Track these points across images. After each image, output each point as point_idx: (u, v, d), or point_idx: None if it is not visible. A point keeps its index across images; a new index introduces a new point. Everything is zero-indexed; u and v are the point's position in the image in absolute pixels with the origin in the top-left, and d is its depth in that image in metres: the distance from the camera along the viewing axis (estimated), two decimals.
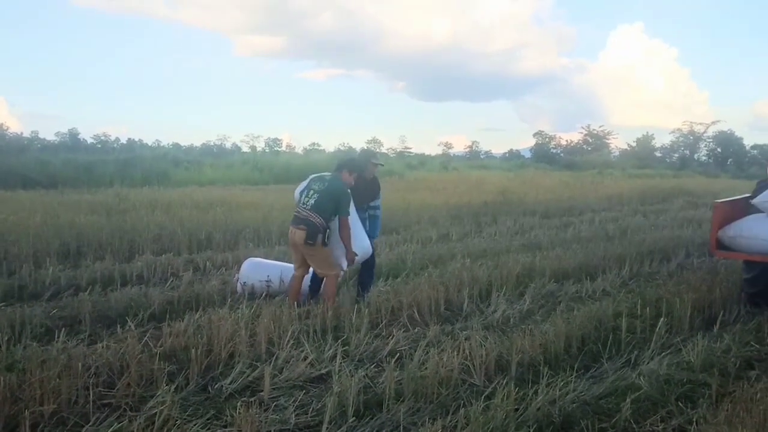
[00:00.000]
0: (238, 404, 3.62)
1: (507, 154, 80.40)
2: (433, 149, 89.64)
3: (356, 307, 5.63)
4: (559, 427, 3.67)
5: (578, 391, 4.07)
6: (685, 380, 4.29)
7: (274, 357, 4.52)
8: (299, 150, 75.68)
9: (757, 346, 5.07)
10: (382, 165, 6.84)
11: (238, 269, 6.78)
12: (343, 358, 4.60)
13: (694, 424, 3.62)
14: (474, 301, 6.43)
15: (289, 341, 4.73)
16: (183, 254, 8.48)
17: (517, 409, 3.78)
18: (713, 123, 60.73)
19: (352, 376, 4.07)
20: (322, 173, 6.08)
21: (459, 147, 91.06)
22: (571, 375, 4.29)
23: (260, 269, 6.61)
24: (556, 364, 4.62)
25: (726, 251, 6.24)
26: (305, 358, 4.49)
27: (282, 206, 13.43)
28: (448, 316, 6.06)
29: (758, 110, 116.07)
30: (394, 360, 4.48)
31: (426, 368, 4.25)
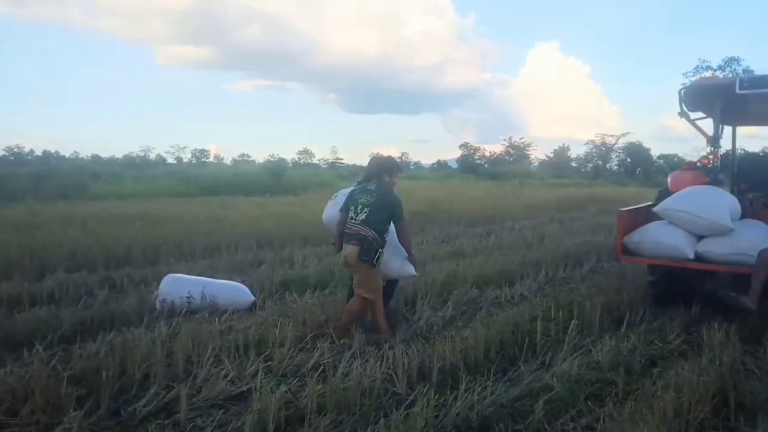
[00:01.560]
0: (152, 427, 3.55)
1: (435, 165, 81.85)
2: (364, 160, 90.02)
3: (279, 321, 5.60)
4: (477, 431, 3.76)
5: (496, 395, 4.17)
6: (594, 379, 4.48)
7: (192, 376, 4.42)
8: (228, 161, 74.54)
9: (660, 344, 5.34)
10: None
11: (158, 286, 6.61)
12: (266, 373, 4.56)
13: (602, 421, 3.79)
14: (400, 310, 6.51)
15: (208, 359, 4.64)
16: (99, 271, 8.15)
17: (437, 416, 3.86)
18: (623, 135, 63.79)
19: (273, 391, 4.04)
20: (363, 185, 5.69)
21: None
22: (490, 379, 4.40)
23: (181, 285, 6.46)
24: (475, 369, 4.72)
25: (630, 256, 6.55)
26: (225, 376, 4.41)
27: (207, 219, 13.22)
28: (375, 325, 6.09)
29: (664, 123, 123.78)
30: (317, 373, 4.49)
31: (350, 380, 4.27)
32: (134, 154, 69.04)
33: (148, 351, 4.61)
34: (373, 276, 5.48)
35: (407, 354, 4.74)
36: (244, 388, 4.33)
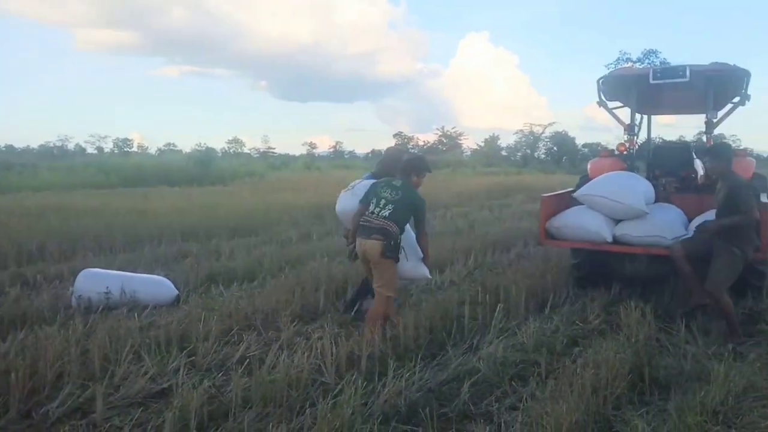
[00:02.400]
0: (66, 428, 3.39)
1: (370, 154, 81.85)
2: (297, 149, 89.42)
3: (204, 314, 5.46)
4: (405, 417, 3.77)
5: (424, 380, 4.21)
6: (518, 361, 4.58)
7: (110, 374, 4.25)
8: (152, 150, 72.36)
9: (581, 324, 5.52)
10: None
11: (74, 282, 6.32)
12: (189, 369, 4.45)
13: (524, 401, 3.88)
14: (330, 299, 6.47)
15: (127, 356, 4.46)
16: (10, 268, 7.74)
17: (365, 404, 3.85)
18: (550, 124, 65.58)
19: (195, 387, 3.94)
20: (386, 179, 5.42)
21: (323, 147, 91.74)
22: (418, 365, 4.42)
23: (98, 280, 6.19)
24: (404, 356, 4.74)
25: (553, 240, 6.73)
26: (145, 373, 4.27)
27: (129, 211, 12.76)
28: (304, 316, 6.04)
29: (588, 113, 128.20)
30: (243, 366, 4.40)
31: (277, 372, 4.20)
32: (51, 144, 65.99)
33: (62, 350, 4.38)
34: (395, 273, 5.26)
35: (336, 344, 4.71)
36: (165, 385, 4.20)
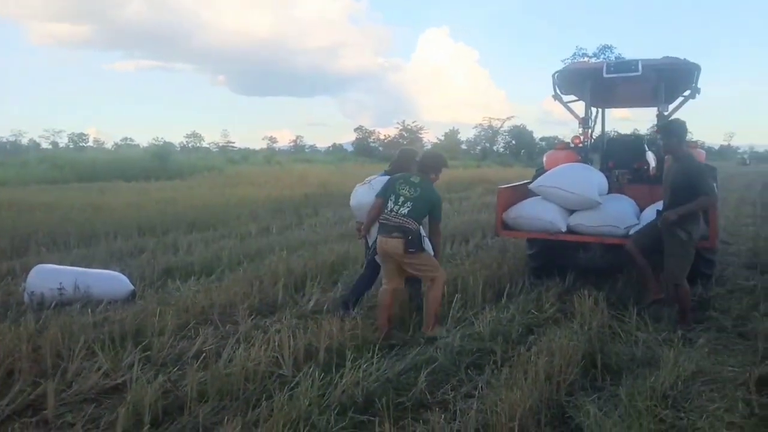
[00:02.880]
0: (16, 426, 3.31)
1: (331, 148, 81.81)
2: (257, 143, 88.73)
3: (159, 309, 5.39)
4: (362, 407, 3.78)
5: (381, 370, 4.22)
6: (474, 349, 4.64)
7: (62, 371, 4.18)
8: (109, 145, 70.89)
9: (537, 313, 5.61)
10: None
11: (26, 278, 6.16)
12: (144, 364, 4.40)
13: (480, 389, 3.93)
14: (289, 292, 6.45)
15: (80, 352, 4.39)
16: None
17: (323, 395, 3.86)
18: (508, 118, 66.82)
19: (150, 382, 3.89)
20: (405, 175, 5.40)
21: (284, 141, 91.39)
22: (375, 356, 4.46)
23: (51, 276, 6.05)
24: (362, 347, 4.76)
25: (510, 231, 6.82)
26: (99, 369, 4.20)
27: (84, 206, 12.50)
28: (262, 309, 6.01)
29: (546, 107, 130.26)
30: (199, 361, 4.36)
31: (234, 365, 4.18)
32: (4, 139, 64.07)
33: (13, 347, 4.30)
34: (428, 256, 5.25)
35: (294, 336, 4.70)
36: (119, 381, 4.14)
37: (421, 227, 5.21)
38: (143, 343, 4.73)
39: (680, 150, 5.50)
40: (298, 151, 76.11)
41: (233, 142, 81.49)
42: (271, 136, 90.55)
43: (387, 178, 5.56)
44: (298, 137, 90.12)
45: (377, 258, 5.41)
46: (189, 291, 6.34)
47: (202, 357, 4.45)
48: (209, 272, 7.39)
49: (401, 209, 5.12)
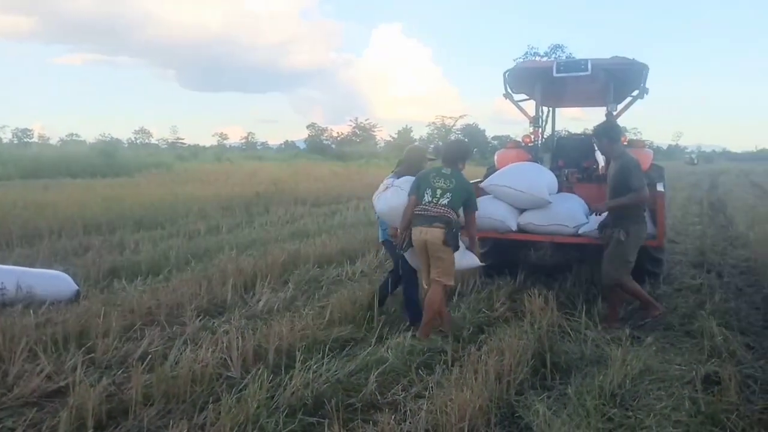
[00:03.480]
0: None
1: (283, 145, 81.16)
2: (207, 140, 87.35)
3: (104, 310, 5.22)
4: (311, 409, 3.73)
5: (332, 372, 4.18)
6: (426, 349, 4.63)
7: (2, 374, 4.03)
8: (54, 141, 68.74)
9: (488, 312, 5.66)
10: (434, 159, 6.30)
11: None
12: (88, 366, 4.27)
13: (430, 389, 3.92)
14: (238, 292, 6.36)
15: (22, 355, 4.22)
16: None
17: (272, 397, 3.80)
18: (461, 117, 67.46)
19: (93, 385, 3.76)
20: (436, 168, 5.35)
21: (235, 138, 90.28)
22: (326, 356, 4.42)
23: None
24: (313, 347, 4.71)
25: (460, 229, 6.81)
26: (41, 372, 4.05)
27: (27, 204, 12.03)
28: (211, 310, 5.89)
29: (498, 106, 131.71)
30: (144, 363, 4.24)
31: (180, 367, 4.07)
32: None
33: None
34: (453, 262, 5.17)
35: (242, 337, 4.62)
36: (62, 384, 4.00)
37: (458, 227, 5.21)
38: (87, 345, 4.59)
39: (613, 150, 5.62)
40: (250, 148, 75.23)
41: (183, 139, 80.00)
42: (222, 133, 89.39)
43: (407, 178, 5.51)
44: (249, 134, 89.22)
45: (409, 253, 5.31)
46: (135, 291, 6.19)
47: (147, 359, 4.37)
48: (156, 272, 7.23)
49: (441, 200, 5.09)
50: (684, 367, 4.35)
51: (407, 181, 5.45)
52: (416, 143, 8.07)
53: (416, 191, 5.22)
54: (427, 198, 5.13)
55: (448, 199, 5.10)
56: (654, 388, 4.00)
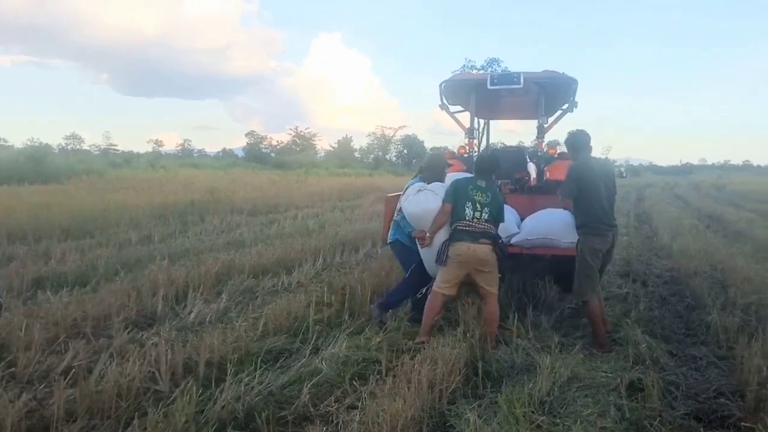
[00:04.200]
0: None
1: (220, 153, 79.83)
2: (142, 147, 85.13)
3: (26, 322, 4.99)
4: (242, 422, 3.67)
5: (264, 384, 4.13)
6: (360, 359, 4.63)
7: None
8: None
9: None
10: (452, 165, 6.49)
11: None
12: (8, 381, 4.09)
13: (363, 400, 3.91)
14: (169, 303, 6.20)
15: None
16: None
17: (201, 411, 3.72)
18: (400, 128, 68.06)
19: (12, 401, 3.59)
20: (472, 180, 5.43)
21: (171, 145, 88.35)
22: (258, 369, 4.35)
23: None
24: (246, 359, 4.64)
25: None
26: None
27: None
28: (140, 322, 5.72)
29: (437, 117, 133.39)
30: (68, 377, 4.08)
31: (106, 381, 3.93)
32: None
33: None
34: (497, 273, 5.39)
35: (172, 350, 4.50)
36: None
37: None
38: (7, 359, 4.40)
39: (575, 158, 5.75)
40: (186, 156, 73.58)
41: (116, 145, 77.36)
42: (157, 140, 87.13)
43: (438, 183, 5.70)
44: (185, 141, 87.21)
45: (449, 262, 5.26)
46: (60, 303, 5.92)
47: (71, 373, 4.21)
48: (83, 283, 6.96)
49: (482, 215, 5.24)
50: (610, 374, 4.46)
51: (441, 187, 5.61)
52: (437, 149, 8.16)
53: (452, 200, 5.31)
54: (468, 212, 5.24)
55: (488, 214, 5.27)
56: (581, 395, 4.09)
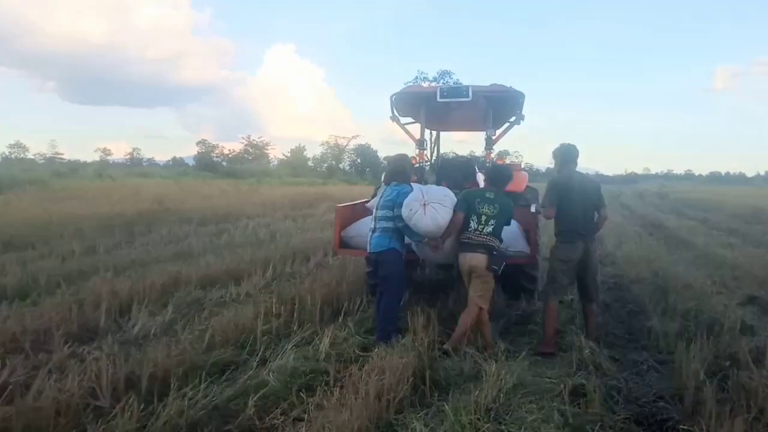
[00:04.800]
0: None
1: (171, 162, 78.54)
2: (89, 156, 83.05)
3: None
4: None
5: (209, 397, 4.07)
6: (308, 371, 4.59)
7: None
8: None
9: (373, 332, 5.68)
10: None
11: None
12: None
13: (310, 412, 3.88)
14: (112, 317, 6.04)
15: None
16: None
17: (144, 427, 3.63)
18: (354, 137, 68.00)
19: None
20: (481, 192, 5.66)
21: (119, 154, 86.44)
22: (203, 382, 4.27)
23: None
24: (191, 373, 4.54)
25: (348, 249, 6.86)
26: None
27: None
28: (81, 336, 5.56)
29: (390, 127, 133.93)
30: (5, 394, 3.92)
31: (44, 398, 3.80)
32: None
33: None
34: (493, 287, 5.54)
35: (114, 364, 4.38)
36: None
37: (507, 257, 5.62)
38: None
39: (561, 170, 5.87)
40: (135, 165, 72.08)
41: (62, 154, 74.96)
42: (105, 148, 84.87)
43: (436, 194, 5.61)
44: (134, 150, 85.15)
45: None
46: None
47: (8, 390, 4.03)
48: (23, 296, 6.74)
49: (485, 228, 5.46)
50: (554, 380, 4.53)
51: (443, 196, 5.62)
52: (401, 155, 8.26)
53: (464, 209, 5.52)
54: (473, 225, 5.48)
55: (492, 227, 5.46)
56: (526, 402, 4.15)
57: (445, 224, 5.51)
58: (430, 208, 5.53)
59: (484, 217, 5.49)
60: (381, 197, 5.94)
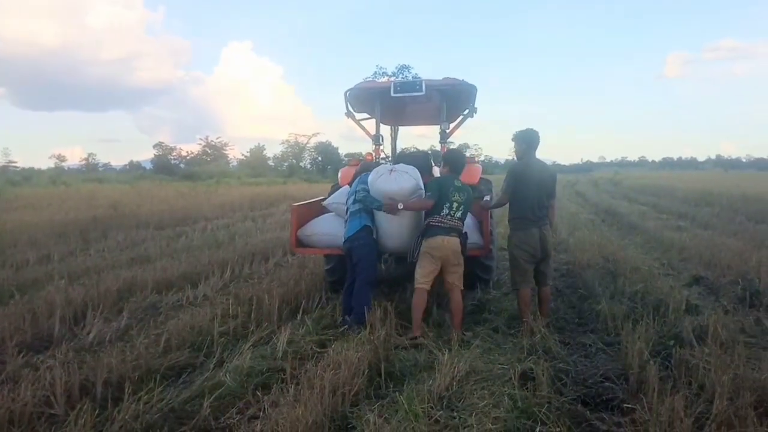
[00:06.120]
0: None
1: (127, 166, 77.25)
2: (44, 162, 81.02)
3: None
4: None
5: (165, 401, 4.07)
6: (265, 369, 4.63)
7: None
8: None
9: (331, 327, 5.76)
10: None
11: None
12: None
13: (265, 409, 3.93)
14: (67, 324, 5.97)
15: None
16: None
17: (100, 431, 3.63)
18: (314, 135, 67.69)
19: None
20: (449, 179, 5.90)
21: (74, 159, 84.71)
22: (161, 385, 4.27)
23: None
24: (147, 377, 4.54)
25: (305, 248, 6.88)
26: None
27: None
28: (35, 345, 5.49)
29: (350, 123, 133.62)
30: None
31: None
32: None
33: None
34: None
35: (68, 371, 4.36)
36: None
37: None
38: None
39: (522, 156, 6.00)
40: (91, 170, 70.62)
41: (15, 162, 73.03)
42: (60, 154, 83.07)
43: (406, 166, 6.21)
44: (90, 155, 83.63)
45: (425, 257, 5.76)
46: None
47: None
48: None
49: (456, 213, 5.77)
50: (506, 366, 4.64)
51: (410, 168, 6.15)
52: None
53: (437, 198, 5.75)
54: (445, 211, 5.75)
55: (461, 212, 5.81)
56: (478, 388, 4.24)
57: (407, 192, 5.92)
58: (396, 174, 6.03)
59: (455, 204, 5.78)
60: (350, 192, 6.33)
